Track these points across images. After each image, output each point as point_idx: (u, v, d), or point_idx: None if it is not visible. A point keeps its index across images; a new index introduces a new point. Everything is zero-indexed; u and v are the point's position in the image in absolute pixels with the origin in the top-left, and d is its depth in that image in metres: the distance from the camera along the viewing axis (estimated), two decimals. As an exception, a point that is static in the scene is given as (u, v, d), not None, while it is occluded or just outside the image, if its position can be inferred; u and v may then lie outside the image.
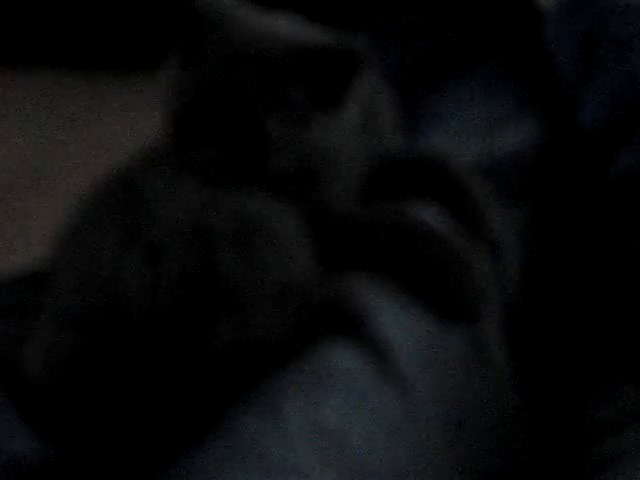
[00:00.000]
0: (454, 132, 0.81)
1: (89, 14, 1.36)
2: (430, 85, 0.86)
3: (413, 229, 0.67)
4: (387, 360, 0.63)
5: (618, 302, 0.75)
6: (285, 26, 0.68)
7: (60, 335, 0.63)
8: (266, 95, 0.65)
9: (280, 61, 0.65)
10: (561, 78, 0.82)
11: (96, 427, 0.61)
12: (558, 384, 0.74)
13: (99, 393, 0.61)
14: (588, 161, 0.79)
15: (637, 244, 0.75)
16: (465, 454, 0.65)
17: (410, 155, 0.73)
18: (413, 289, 0.66)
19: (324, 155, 0.67)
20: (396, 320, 0.65)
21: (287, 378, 0.61)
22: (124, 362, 0.61)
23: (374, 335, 0.64)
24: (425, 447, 0.63)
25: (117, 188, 0.67)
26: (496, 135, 0.81)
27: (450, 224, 0.69)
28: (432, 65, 0.88)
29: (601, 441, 0.69)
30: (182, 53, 0.68)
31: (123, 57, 1.36)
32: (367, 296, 0.65)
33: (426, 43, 0.89)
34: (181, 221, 0.63)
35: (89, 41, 1.37)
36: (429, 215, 0.69)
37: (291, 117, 0.66)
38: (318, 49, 0.65)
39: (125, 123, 1.28)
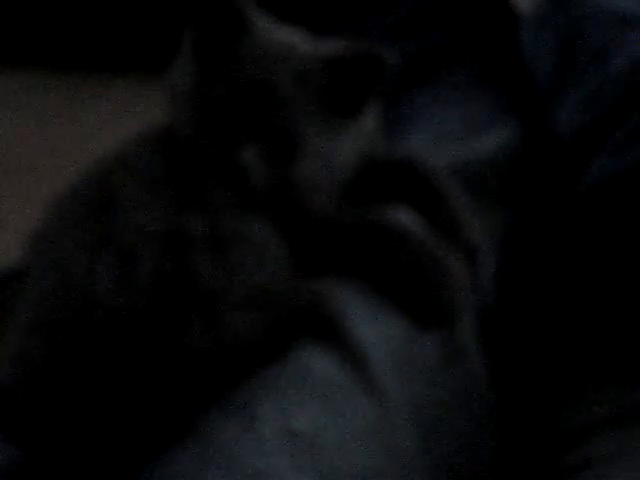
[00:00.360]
0: (430, 136, 0.81)
1: (72, 14, 1.36)
2: (406, 88, 0.86)
3: (389, 232, 0.67)
4: (361, 364, 0.63)
5: (594, 307, 0.76)
6: (307, 37, 0.68)
7: (30, 340, 0.62)
8: (300, 100, 0.65)
9: (312, 69, 0.65)
10: (537, 83, 0.82)
11: (67, 432, 0.61)
12: (533, 389, 0.74)
13: (70, 398, 0.61)
14: (564, 166, 0.79)
15: (610, 248, 0.75)
16: (439, 458, 0.65)
17: (385, 158, 0.72)
18: (389, 293, 0.66)
19: (342, 163, 0.67)
20: (371, 324, 0.65)
21: (261, 382, 0.61)
22: (96, 367, 0.60)
23: (348, 339, 0.64)
24: (399, 451, 0.63)
25: (90, 190, 0.66)
26: (472, 139, 0.81)
27: (426, 227, 0.69)
28: (408, 68, 0.88)
29: (573, 447, 0.69)
30: (201, 55, 0.66)
31: (104, 58, 1.36)
32: (342, 300, 0.65)
33: (402, 47, 0.89)
34: (156, 225, 0.63)
35: (69, 41, 1.37)
36: (405, 218, 0.69)
37: (319, 125, 0.65)
38: (347, 57, 0.65)
39: (103, 123, 1.28)
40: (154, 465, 0.59)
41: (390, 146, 0.76)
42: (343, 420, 0.61)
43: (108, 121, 1.27)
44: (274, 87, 0.65)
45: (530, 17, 0.84)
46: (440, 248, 0.67)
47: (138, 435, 0.60)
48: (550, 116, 0.81)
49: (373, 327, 0.65)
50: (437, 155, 0.77)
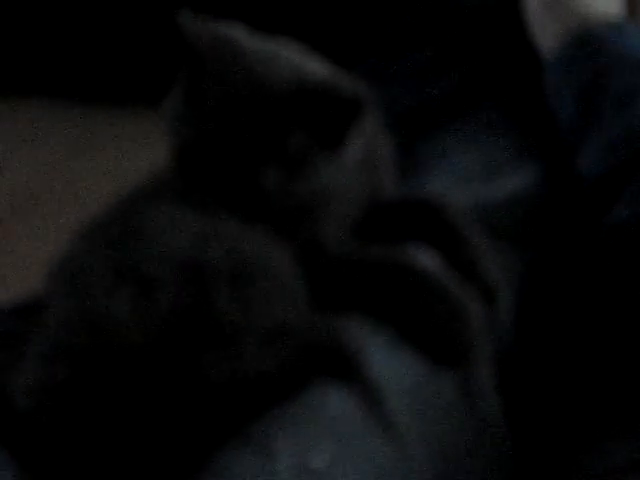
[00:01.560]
0: (451, 177, 0.82)
1: (89, 45, 1.37)
2: (429, 129, 0.87)
3: (408, 271, 0.67)
4: (378, 403, 0.63)
5: (613, 351, 0.75)
6: (287, 60, 0.67)
7: (49, 367, 0.62)
8: (263, 142, 0.65)
9: (280, 103, 0.65)
10: (560, 126, 0.83)
11: (83, 461, 0.61)
12: (550, 433, 0.74)
13: (87, 427, 0.60)
14: (585, 209, 0.79)
15: (629, 293, 0.75)
16: None
17: (405, 197, 0.73)
18: (407, 332, 0.66)
19: (322, 196, 0.67)
20: (388, 363, 0.65)
21: (278, 418, 0.61)
22: (114, 395, 0.60)
23: (366, 378, 0.63)
24: None
25: (113, 221, 0.66)
26: (493, 181, 0.81)
27: (445, 268, 0.69)
28: (432, 109, 0.88)
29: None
30: (183, 86, 0.67)
31: (120, 89, 1.37)
32: (360, 338, 0.65)
33: (426, 87, 0.90)
34: (177, 255, 0.63)
35: (87, 72, 1.38)
36: (425, 258, 0.69)
37: (289, 163, 0.65)
38: (321, 91, 0.65)
39: (121, 155, 1.29)
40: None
41: (410, 186, 0.76)
42: (359, 459, 0.61)
43: (129, 152, 1.27)
44: (235, 132, 0.65)
45: (554, 61, 0.84)
46: (459, 289, 0.67)
47: (152, 466, 0.60)
48: (572, 159, 0.81)
49: (390, 366, 0.65)
50: (457, 196, 0.78)
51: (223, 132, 0.65)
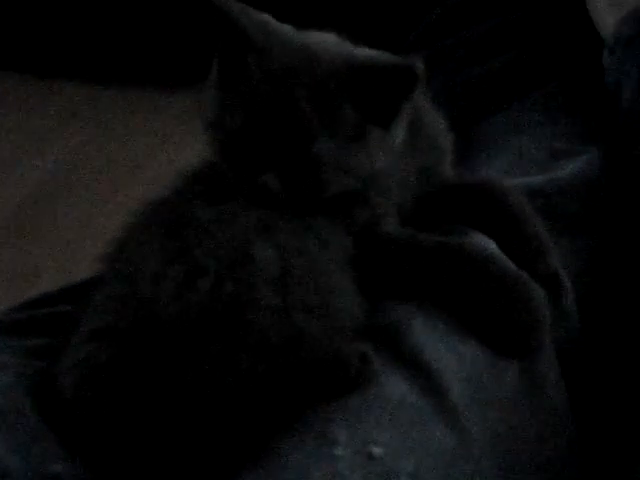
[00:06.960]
0: (509, 161, 0.80)
1: (123, 29, 1.37)
2: (488, 111, 0.85)
3: (469, 256, 0.65)
4: (440, 392, 0.62)
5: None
6: (331, 43, 0.66)
7: (93, 347, 0.62)
8: (316, 114, 0.63)
9: (329, 78, 0.63)
10: (621, 107, 0.81)
11: (129, 445, 0.60)
12: (614, 420, 0.72)
13: (132, 408, 0.60)
14: None
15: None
16: None
17: (463, 182, 0.71)
18: (469, 320, 0.64)
19: (375, 175, 0.65)
20: (450, 352, 0.63)
21: (338, 405, 0.60)
22: (158, 376, 0.59)
23: (428, 367, 0.62)
24: None
25: (165, 210, 0.66)
26: (551, 164, 0.80)
27: (506, 254, 0.67)
28: (490, 91, 0.87)
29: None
30: (221, 73, 0.66)
31: (155, 74, 1.37)
32: (421, 327, 0.64)
33: (485, 69, 0.89)
34: (225, 248, 0.62)
35: (122, 56, 1.38)
36: (484, 242, 0.67)
37: (342, 137, 0.64)
38: (372, 67, 0.63)
39: (156, 139, 1.29)
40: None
41: (468, 169, 0.75)
42: (420, 447, 0.60)
43: (170, 134, 1.28)
44: (290, 105, 0.63)
45: (612, 40, 0.82)
46: (521, 275, 0.65)
47: (205, 453, 0.59)
48: (632, 139, 0.79)
49: (452, 355, 0.63)
50: (515, 180, 0.76)
51: (273, 110, 0.63)
